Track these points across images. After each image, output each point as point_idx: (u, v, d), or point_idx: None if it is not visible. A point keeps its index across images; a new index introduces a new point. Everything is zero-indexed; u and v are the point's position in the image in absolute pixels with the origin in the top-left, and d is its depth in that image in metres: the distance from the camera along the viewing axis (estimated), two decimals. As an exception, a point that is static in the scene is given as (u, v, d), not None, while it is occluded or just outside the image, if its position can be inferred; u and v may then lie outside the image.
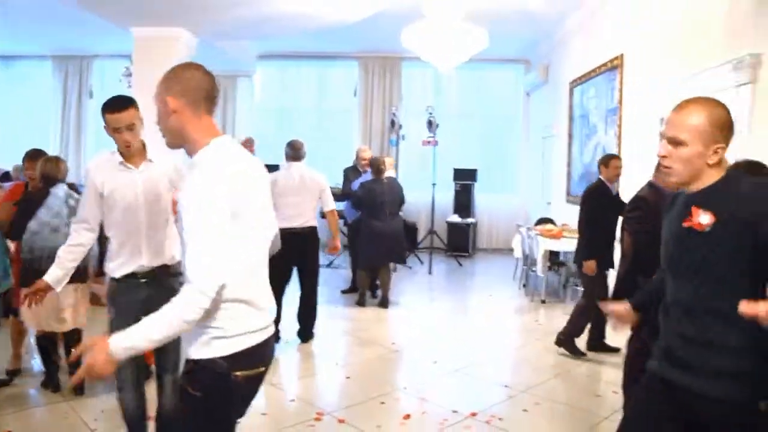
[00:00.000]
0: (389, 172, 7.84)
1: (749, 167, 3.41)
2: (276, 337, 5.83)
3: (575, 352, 5.46)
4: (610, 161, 5.47)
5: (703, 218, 1.88)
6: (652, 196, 3.93)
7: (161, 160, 3.07)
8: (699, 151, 1.90)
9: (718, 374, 1.86)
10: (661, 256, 2.12)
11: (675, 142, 1.92)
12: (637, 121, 6.72)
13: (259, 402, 4.23)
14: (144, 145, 3.06)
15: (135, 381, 3.10)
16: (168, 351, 3.07)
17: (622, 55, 7.17)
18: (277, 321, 5.71)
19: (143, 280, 3.02)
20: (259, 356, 2.01)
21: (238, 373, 1.93)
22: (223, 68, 11.54)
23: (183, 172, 2.97)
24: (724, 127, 1.91)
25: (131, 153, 3.00)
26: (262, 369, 2.05)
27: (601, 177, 5.46)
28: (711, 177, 1.93)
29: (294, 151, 5.87)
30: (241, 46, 10.92)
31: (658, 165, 4.20)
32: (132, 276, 3.02)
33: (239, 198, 1.90)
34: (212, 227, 1.82)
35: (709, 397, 1.86)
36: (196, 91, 1.98)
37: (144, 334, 1.82)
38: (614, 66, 7.37)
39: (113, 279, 3.06)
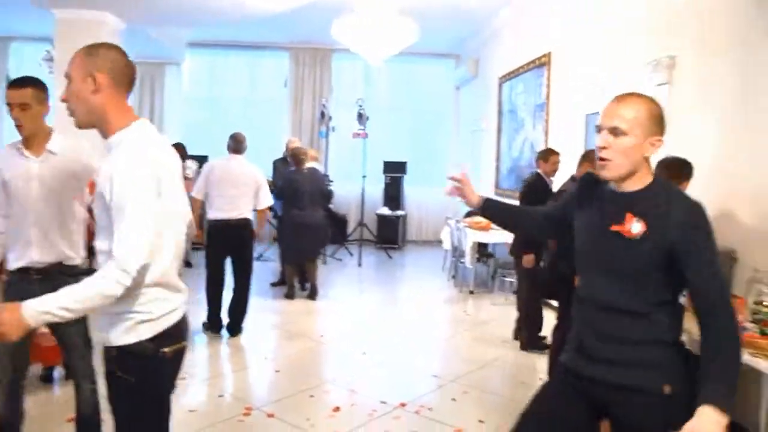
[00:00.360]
0: (315, 165, 7.82)
1: (674, 164, 3.58)
2: (218, 326, 5.76)
3: (544, 348, 5.42)
4: (549, 156, 5.54)
5: (635, 227, 1.88)
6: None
7: (66, 153, 2.93)
8: (638, 143, 1.91)
9: (633, 365, 1.91)
10: (576, 248, 2.11)
11: (616, 132, 1.91)
12: (563, 117, 6.91)
13: (187, 398, 4.17)
14: (48, 134, 2.92)
15: (8, 381, 2.92)
16: (82, 358, 3.00)
17: (549, 53, 7.35)
18: (218, 312, 5.68)
19: (36, 276, 2.89)
20: (181, 332, 2.08)
21: (165, 349, 1.98)
22: (151, 55, 11.21)
23: (92, 164, 2.90)
24: (659, 121, 1.95)
25: (24, 135, 2.88)
26: (184, 343, 2.11)
27: (539, 171, 5.54)
28: (643, 176, 1.95)
29: (236, 144, 5.82)
30: (170, 33, 10.58)
31: (583, 159, 4.37)
32: (25, 271, 2.90)
33: (159, 181, 1.91)
34: (140, 206, 1.83)
35: (624, 387, 1.91)
36: (122, 72, 1.99)
37: (60, 302, 1.79)
38: (542, 63, 7.54)
39: (9, 270, 2.95)
